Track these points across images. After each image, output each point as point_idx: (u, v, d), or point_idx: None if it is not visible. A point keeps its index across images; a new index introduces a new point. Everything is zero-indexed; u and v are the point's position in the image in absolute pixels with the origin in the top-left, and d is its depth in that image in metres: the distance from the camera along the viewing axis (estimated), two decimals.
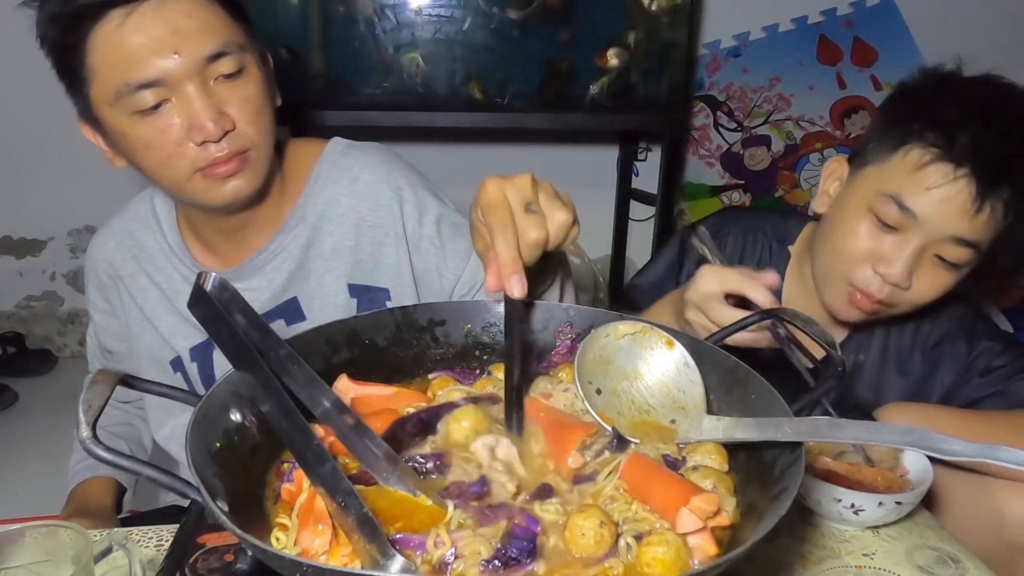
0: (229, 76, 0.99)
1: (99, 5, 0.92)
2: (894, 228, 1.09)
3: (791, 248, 1.32)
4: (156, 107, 0.96)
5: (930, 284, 1.11)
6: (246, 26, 1.03)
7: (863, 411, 1.18)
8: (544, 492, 0.65)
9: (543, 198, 0.78)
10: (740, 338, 0.92)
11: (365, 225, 1.17)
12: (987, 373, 1.20)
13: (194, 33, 0.95)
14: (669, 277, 1.38)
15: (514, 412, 0.72)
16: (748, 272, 0.96)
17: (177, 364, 1.19)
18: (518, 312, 0.73)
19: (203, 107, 0.96)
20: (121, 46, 0.93)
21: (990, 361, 1.21)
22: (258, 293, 1.15)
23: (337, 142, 1.22)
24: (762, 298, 0.94)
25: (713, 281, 0.97)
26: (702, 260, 1.07)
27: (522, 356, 0.74)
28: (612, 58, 2.49)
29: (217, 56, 0.97)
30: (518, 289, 0.70)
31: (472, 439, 0.70)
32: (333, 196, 1.17)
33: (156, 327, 1.19)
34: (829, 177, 1.24)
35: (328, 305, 1.16)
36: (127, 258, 1.20)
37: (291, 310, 1.17)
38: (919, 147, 1.08)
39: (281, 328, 1.16)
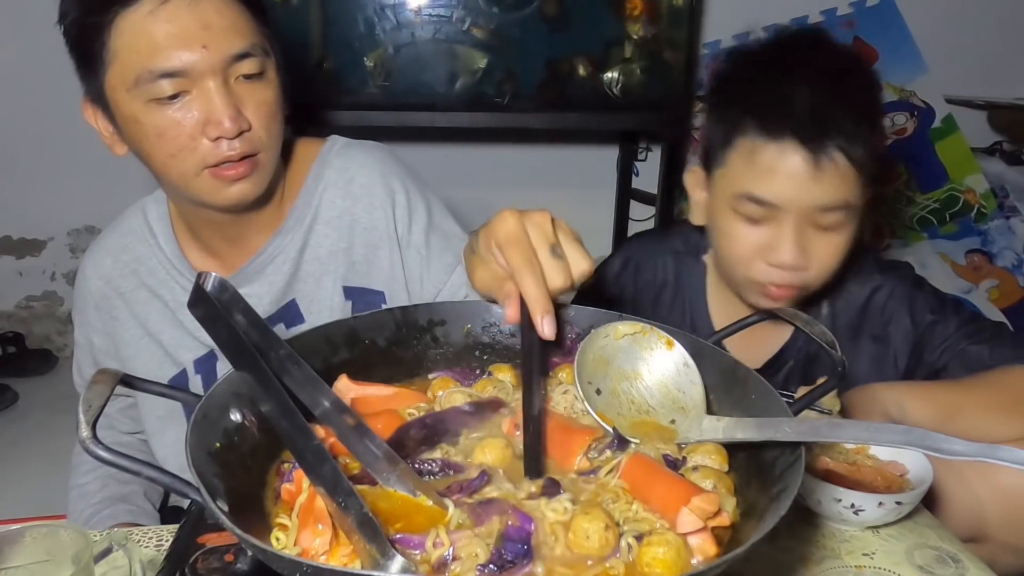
0: (250, 77, 0.99)
1: None
2: (764, 220, 1.10)
3: (705, 258, 1.31)
4: (174, 97, 0.96)
5: (825, 253, 1.11)
6: (269, 32, 1.04)
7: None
8: (552, 488, 0.65)
9: (564, 241, 0.76)
10: None
11: (359, 227, 1.17)
12: (936, 348, 1.21)
13: (224, 31, 0.96)
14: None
15: (533, 453, 0.68)
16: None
17: (176, 382, 1.16)
18: (537, 347, 0.70)
19: (223, 103, 0.96)
20: (150, 33, 0.93)
21: (935, 336, 1.21)
22: (261, 298, 1.14)
23: (335, 141, 1.21)
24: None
25: None
26: None
27: (540, 389, 0.72)
28: (579, 67, 2.49)
29: (242, 56, 0.98)
30: (550, 329, 0.68)
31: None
32: (329, 198, 1.17)
33: (160, 341, 1.17)
34: (693, 188, 1.23)
35: (325, 308, 1.16)
36: (125, 273, 1.18)
37: (291, 313, 1.16)
38: (745, 138, 1.09)
39: (281, 331, 1.15)
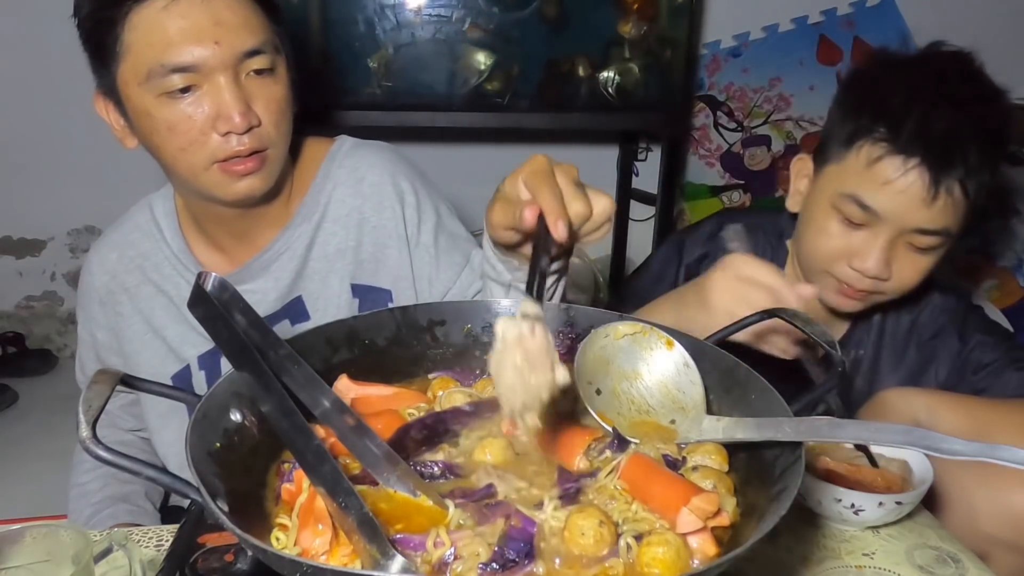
0: (260, 73, 1.01)
1: None
2: (861, 225, 1.10)
3: (788, 243, 1.33)
4: (185, 91, 0.97)
5: (909, 271, 1.13)
6: (280, 30, 1.05)
7: (860, 403, 1.19)
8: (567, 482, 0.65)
9: (588, 186, 0.82)
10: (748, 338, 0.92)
11: (368, 226, 1.17)
12: (980, 370, 1.21)
13: (235, 27, 0.97)
14: (664, 279, 1.37)
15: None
16: (784, 279, 0.95)
17: (179, 378, 1.17)
18: (548, 251, 0.74)
19: (232, 99, 0.97)
20: (163, 27, 0.95)
21: (982, 357, 1.22)
22: (266, 294, 1.15)
23: (343, 140, 1.23)
24: (794, 304, 0.92)
25: (753, 269, 0.96)
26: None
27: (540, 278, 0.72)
28: (579, 67, 2.50)
29: (253, 52, 0.99)
30: (564, 230, 0.72)
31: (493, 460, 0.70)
32: (339, 196, 1.18)
33: (164, 337, 1.17)
34: (797, 175, 1.24)
35: (331, 306, 1.16)
36: (131, 268, 1.18)
37: (296, 310, 1.17)
38: (869, 142, 1.09)
39: (286, 328, 1.16)
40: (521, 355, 0.62)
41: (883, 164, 1.07)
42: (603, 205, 0.82)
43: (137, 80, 0.97)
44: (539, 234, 0.74)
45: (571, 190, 0.79)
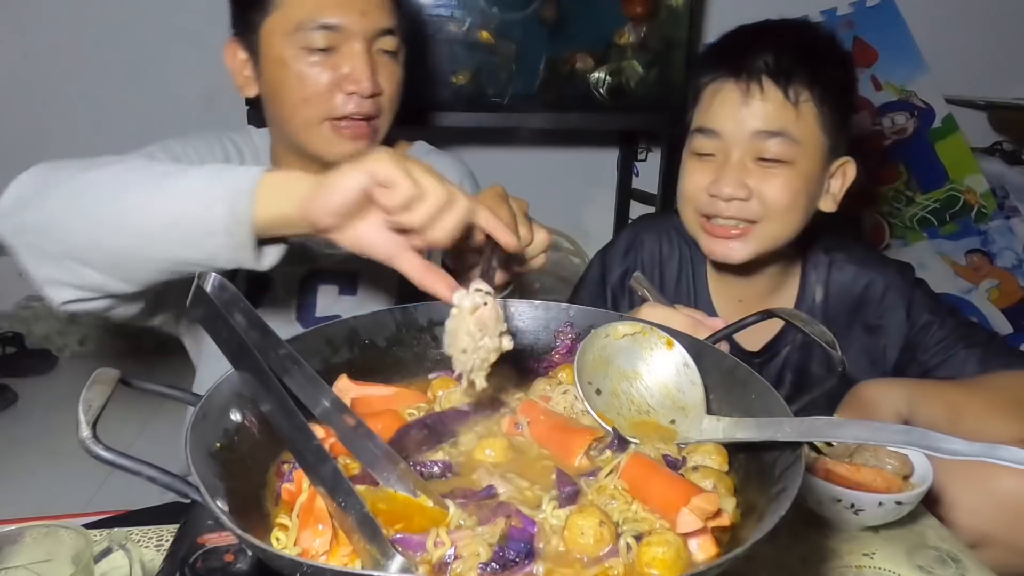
0: (387, 52, 1.13)
1: None
2: (711, 154, 1.18)
3: None
4: (323, 51, 1.08)
5: (769, 187, 1.16)
6: (404, 24, 1.17)
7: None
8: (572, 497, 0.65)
9: (533, 220, 0.95)
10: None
11: None
12: (928, 349, 1.24)
13: (378, 5, 1.11)
14: (596, 301, 1.40)
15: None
16: (693, 319, 0.97)
17: None
18: (496, 255, 0.83)
19: (364, 64, 1.09)
20: None
21: (928, 338, 1.25)
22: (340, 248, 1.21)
23: (422, 144, 1.38)
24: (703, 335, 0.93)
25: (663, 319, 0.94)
26: (643, 300, 1.08)
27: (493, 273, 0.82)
28: (580, 62, 2.49)
29: (387, 31, 1.12)
30: (513, 239, 0.81)
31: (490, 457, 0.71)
32: None
33: None
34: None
35: (381, 291, 1.24)
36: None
37: (346, 281, 1.25)
38: (704, 80, 1.21)
39: (333, 295, 1.23)
40: (475, 321, 0.69)
41: (708, 89, 1.20)
42: (542, 236, 0.94)
43: (284, 31, 1.08)
44: (491, 239, 0.82)
45: (520, 218, 0.92)
